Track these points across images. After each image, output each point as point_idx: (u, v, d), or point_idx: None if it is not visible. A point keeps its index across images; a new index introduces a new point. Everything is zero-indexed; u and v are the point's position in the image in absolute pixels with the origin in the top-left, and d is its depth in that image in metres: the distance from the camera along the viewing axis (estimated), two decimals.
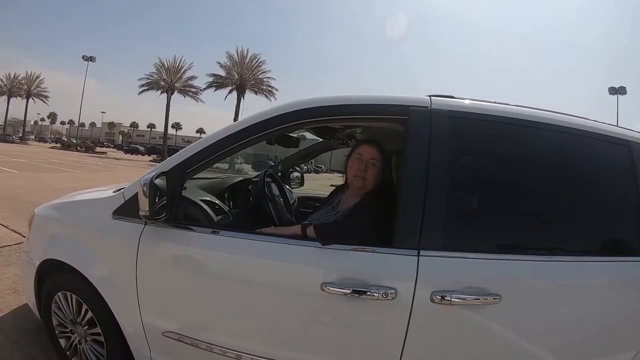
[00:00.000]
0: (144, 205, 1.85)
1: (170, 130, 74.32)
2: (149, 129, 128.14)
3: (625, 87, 43.12)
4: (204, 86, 48.04)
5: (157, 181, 1.87)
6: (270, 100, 48.05)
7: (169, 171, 1.99)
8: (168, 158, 2.15)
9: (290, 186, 4.16)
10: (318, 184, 12.79)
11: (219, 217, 2.42)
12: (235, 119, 41.98)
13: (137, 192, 1.94)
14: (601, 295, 1.78)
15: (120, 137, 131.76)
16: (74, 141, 63.10)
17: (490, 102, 1.98)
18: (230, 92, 46.70)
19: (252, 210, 2.91)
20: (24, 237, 4.92)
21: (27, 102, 70.29)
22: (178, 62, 49.73)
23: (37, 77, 71.49)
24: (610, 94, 43.81)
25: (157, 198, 1.86)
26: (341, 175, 2.48)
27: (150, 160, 43.73)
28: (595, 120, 2.01)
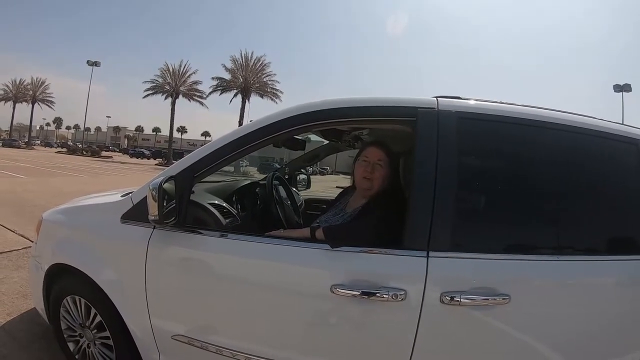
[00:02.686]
0: (153, 209, 1.85)
1: (176, 134, 74.64)
2: (154, 133, 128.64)
3: (630, 85, 42.73)
4: (209, 90, 48.11)
5: (166, 185, 1.88)
6: (276, 103, 48.19)
7: (178, 175, 1.99)
8: (176, 162, 2.15)
9: (297, 188, 4.17)
10: (324, 185, 12.74)
11: (227, 221, 2.43)
12: (240, 122, 42.07)
13: (146, 197, 1.96)
14: (611, 294, 1.78)
15: (126, 141, 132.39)
16: (80, 145, 63.46)
17: (496, 102, 1.97)
18: (235, 95, 46.78)
19: (260, 213, 2.92)
20: (32, 241, 4.96)
21: (33, 107, 70.63)
22: (183, 66, 49.91)
23: (43, 82, 71.82)
24: (615, 91, 43.44)
25: (165, 202, 1.87)
26: (347, 176, 2.49)
27: (155, 164, 43.90)
28: (602, 119, 2.01)
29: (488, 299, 1.63)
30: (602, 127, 1.92)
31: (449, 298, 1.61)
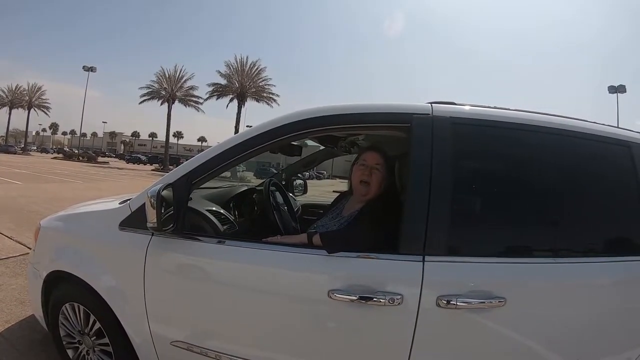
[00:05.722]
0: (151, 216, 1.87)
1: (172, 139, 74.48)
2: (150, 138, 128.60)
3: (624, 86, 42.72)
4: (206, 96, 48.09)
5: (164, 192, 1.89)
6: (272, 107, 48.22)
7: (175, 182, 2.01)
8: (174, 169, 2.17)
9: (293, 194, 4.18)
10: (320, 190, 12.76)
11: (224, 227, 2.44)
12: (236, 127, 41.99)
13: (144, 204, 1.97)
14: (606, 295, 1.80)
15: (122, 147, 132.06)
16: (76, 151, 63.26)
17: (490, 107, 1.99)
18: (231, 100, 46.76)
19: (258, 219, 2.93)
20: (29, 248, 4.97)
21: (29, 113, 70.67)
22: (179, 71, 49.95)
23: (39, 88, 71.92)
24: (609, 92, 43.45)
25: (163, 209, 1.89)
26: (343, 180, 2.50)
27: (152, 170, 43.80)
28: (595, 122, 2.03)
29: (484, 302, 1.64)
30: (594, 130, 1.95)
31: (446, 302, 1.63)
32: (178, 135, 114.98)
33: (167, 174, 2.20)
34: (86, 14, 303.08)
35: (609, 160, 1.94)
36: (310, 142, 3.44)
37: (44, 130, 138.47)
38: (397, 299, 1.65)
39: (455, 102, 2.01)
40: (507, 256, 1.77)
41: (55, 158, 54.59)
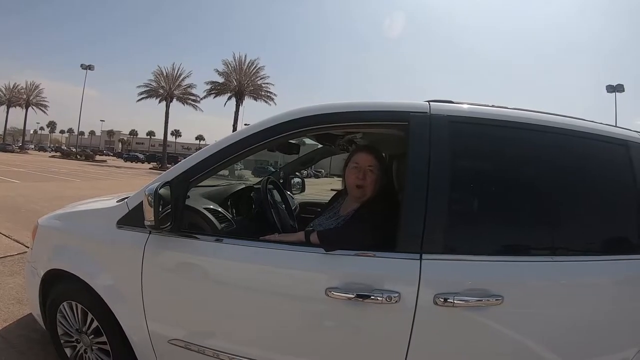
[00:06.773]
0: (149, 214, 1.87)
1: (170, 138, 74.37)
2: (148, 137, 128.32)
3: (622, 85, 42.66)
4: (204, 94, 48.09)
5: (162, 191, 1.89)
6: (270, 105, 48.29)
7: (173, 180, 2.01)
8: (171, 167, 2.16)
9: (291, 192, 4.18)
10: (318, 188, 12.75)
11: (222, 225, 2.44)
12: (234, 125, 41.98)
13: (141, 202, 1.97)
14: (602, 294, 1.81)
15: (120, 145, 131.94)
16: (74, 150, 63.17)
17: (488, 105, 1.99)
18: (229, 98, 46.80)
19: (255, 217, 2.93)
20: (26, 247, 4.96)
21: (27, 111, 70.40)
22: (176, 69, 49.83)
23: (37, 87, 71.70)
24: (607, 91, 43.37)
25: (161, 207, 1.88)
26: (341, 179, 2.49)
27: (150, 168, 43.75)
28: (592, 121, 2.03)
29: (481, 300, 1.64)
30: (592, 129, 1.95)
31: (443, 300, 1.63)
32: (176, 133, 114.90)
33: (164, 172, 2.19)
34: (85, 14, 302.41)
35: (607, 159, 1.94)
36: (308, 141, 3.44)
37: (41, 128, 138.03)
38: (394, 297, 1.65)
39: (453, 100, 2.01)
40: (504, 254, 1.77)
41: (53, 156, 54.57)
